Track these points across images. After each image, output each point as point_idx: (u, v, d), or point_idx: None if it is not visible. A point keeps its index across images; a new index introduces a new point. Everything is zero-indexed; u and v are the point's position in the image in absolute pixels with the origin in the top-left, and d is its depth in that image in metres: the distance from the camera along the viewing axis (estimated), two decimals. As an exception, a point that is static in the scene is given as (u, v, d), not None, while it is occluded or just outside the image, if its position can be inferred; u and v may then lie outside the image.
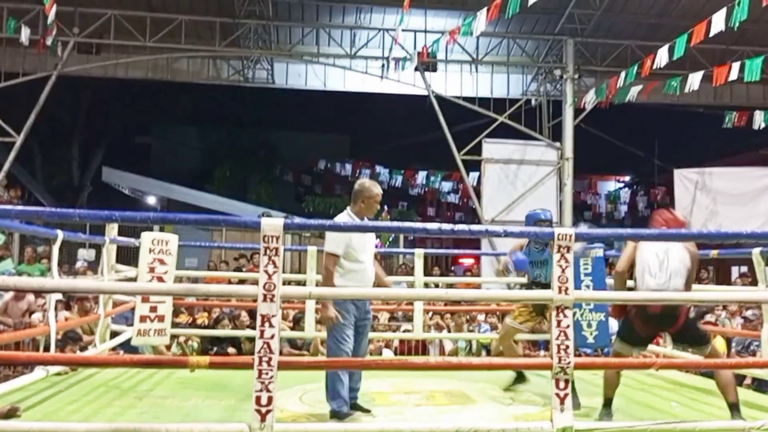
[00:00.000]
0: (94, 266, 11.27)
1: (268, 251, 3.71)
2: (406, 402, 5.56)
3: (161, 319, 6.28)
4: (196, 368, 3.91)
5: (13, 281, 4.36)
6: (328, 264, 4.83)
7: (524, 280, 6.52)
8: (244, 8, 15.15)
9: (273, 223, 3.79)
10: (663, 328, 5.08)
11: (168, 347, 7.89)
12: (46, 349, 5.38)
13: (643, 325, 4.87)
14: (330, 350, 4.92)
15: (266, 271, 3.70)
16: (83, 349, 7.12)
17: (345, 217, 5.04)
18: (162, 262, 6.27)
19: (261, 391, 3.65)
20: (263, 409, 3.64)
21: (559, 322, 3.93)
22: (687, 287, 4.84)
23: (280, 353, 3.78)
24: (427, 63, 15.77)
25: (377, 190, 5.05)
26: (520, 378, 6.16)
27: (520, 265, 5.86)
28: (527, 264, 5.88)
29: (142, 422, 4.71)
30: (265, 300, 3.70)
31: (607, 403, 4.93)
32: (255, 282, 3.78)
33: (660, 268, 4.82)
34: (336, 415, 4.82)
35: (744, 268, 16.95)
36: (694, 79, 12.61)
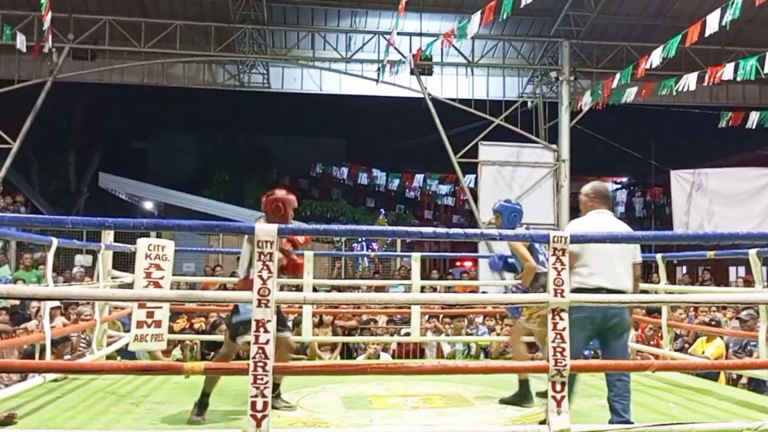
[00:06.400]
0: (91, 272, 11.25)
1: (262, 256, 3.70)
2: (403, 405, 5.54)
3: (158, 324, 6.26)
4: (191, 375, 3.89)
5: (7, 289, 4.34)
6: None
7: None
8: (239, 13, 15.15)
9: (267, 228, 3.79)
10: None
11: (167, 352, 7.86)
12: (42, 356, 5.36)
13: None
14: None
15: (261, 276, 3.69)
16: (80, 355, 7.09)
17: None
18: (158, 267, 6.24)
19: (256, 396, 3.64)
20: (259, 415, 3.62)
21: (555, 325, 3.91)
22: None
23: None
24: (422, 66, 15.78)
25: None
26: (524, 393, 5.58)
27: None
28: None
29: (139, 428, 4.70)
30: (259, 305, 3.69)
31: None
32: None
33: None
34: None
35: (741, 270, 17.01)
36: (690, 80, 12.64)
